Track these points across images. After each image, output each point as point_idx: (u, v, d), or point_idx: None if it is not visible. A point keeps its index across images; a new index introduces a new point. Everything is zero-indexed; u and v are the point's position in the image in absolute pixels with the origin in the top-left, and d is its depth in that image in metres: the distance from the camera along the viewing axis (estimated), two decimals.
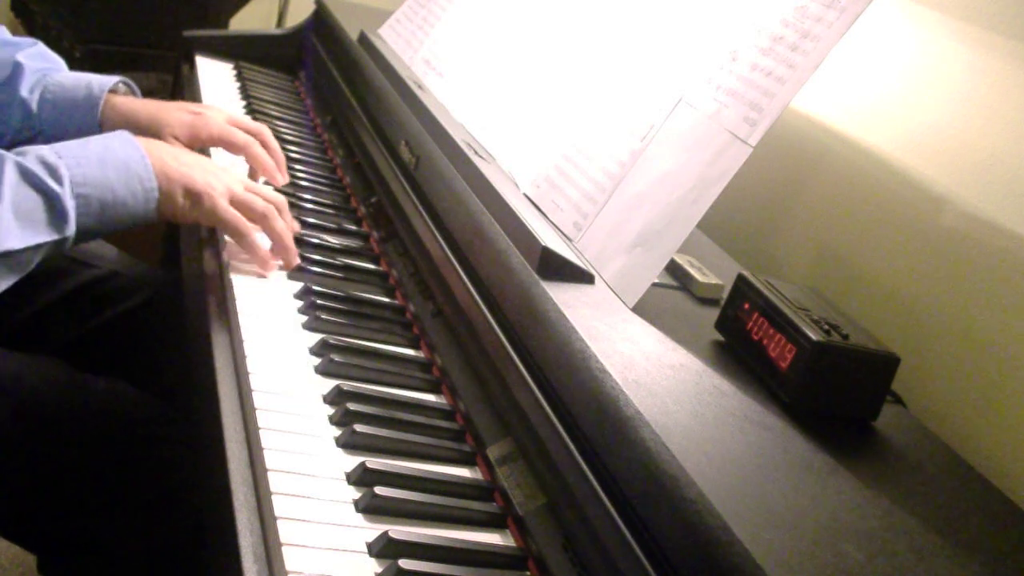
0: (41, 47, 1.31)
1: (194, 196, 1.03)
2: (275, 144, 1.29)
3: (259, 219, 1.08)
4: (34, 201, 0.92)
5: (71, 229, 0.94)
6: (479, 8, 1.39)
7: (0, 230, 0.89)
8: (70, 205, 0.94)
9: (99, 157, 0.98)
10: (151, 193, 1.00)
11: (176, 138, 1.23)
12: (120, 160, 0.99)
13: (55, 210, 0.93)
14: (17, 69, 1.25)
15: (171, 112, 1.26)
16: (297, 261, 1.11)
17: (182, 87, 1.71)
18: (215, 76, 1.69)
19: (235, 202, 1.07)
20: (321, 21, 1.78)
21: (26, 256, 0.92)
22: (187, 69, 1.74)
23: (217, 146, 1.27)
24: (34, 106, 1.24)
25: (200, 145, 1.26)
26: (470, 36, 1.37)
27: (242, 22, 2.41)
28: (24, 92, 1.24)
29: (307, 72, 1.81)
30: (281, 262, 1.10)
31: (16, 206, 0.90)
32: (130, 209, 0.99)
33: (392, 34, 1.57)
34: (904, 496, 0.75)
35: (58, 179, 0.94)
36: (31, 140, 1.25)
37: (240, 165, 1.28)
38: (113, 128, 1.22)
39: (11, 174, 0.91)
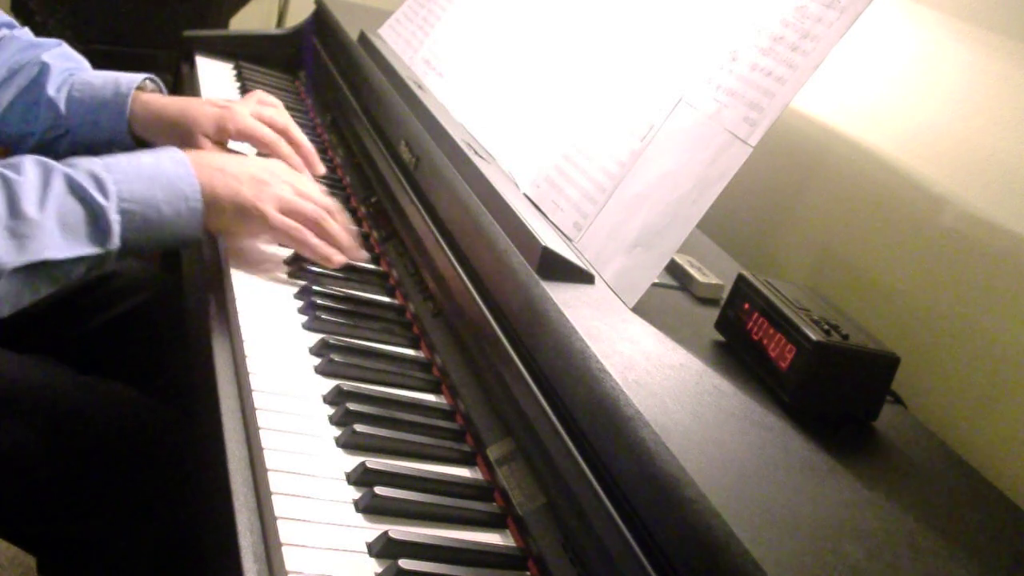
0: (65, 47, 1.32)
1: (243, 211, 1.03)
2: (302, 138, 1.28)
3: (311, 225, 1.07)
4: (79, 213, 0.92)
5: (114, 244, 0.94)
6: (479, 8, 1.39)
7: (43, 239, 0.89)
8: (114, 219, 0.93)
9: (148, 174, 0.97)
10: (196, 213, 0.99)
11: (205, 135, 1.23)
12: (168, 178, 0.98)
13: (99, 223, 0.93)
14: (44, 69, 1.26)
15: (200, 108, 1.25)
16: (364, 255, 1.12)
17: (182, 87, 1.71)
18: (215, 76, 1.69)
19: (285, 210, 1.06)
20: (321, 21, 1.78)
21: (67, 267, 0.91)
22: (187, 69, 1.74)
23: (243, 141, 1.26)
24: (62, 105, 1.25)
25: (227, 139, 1.26)
26: (470, 36, 1.37)
27: (242, 22, 2.41)
28: (51, 91, 1.25)
29: (307, 72, 1.81)
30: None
31: (61, 217, 0.90)
32: (174, 228, 0.98)
33: (392, 34, 1.57)
34: (904, 496, 0.75)
35: (105, 193, 0.93)
36: (60, 139, 1.27)
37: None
38: (143, 125, 1.25)
39: (58, 185, 0.91)
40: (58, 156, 1.34)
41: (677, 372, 0.82)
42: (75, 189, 0.92)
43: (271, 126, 1.26)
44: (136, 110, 1.25)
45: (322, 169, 1.29)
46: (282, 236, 1.06)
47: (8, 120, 1.27)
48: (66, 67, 1.28)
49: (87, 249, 0.92)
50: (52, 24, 2.09)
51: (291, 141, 1.26)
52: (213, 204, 1.01)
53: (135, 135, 1.26)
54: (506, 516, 0.83)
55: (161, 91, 1.32)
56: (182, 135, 1.22)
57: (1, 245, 0.86)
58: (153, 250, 1.01)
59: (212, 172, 1.02)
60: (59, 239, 0.90)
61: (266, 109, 1.29)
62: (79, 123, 1.26)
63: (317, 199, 1.10)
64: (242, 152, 1.24)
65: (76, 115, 1.26)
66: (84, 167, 0.95)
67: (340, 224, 1.11)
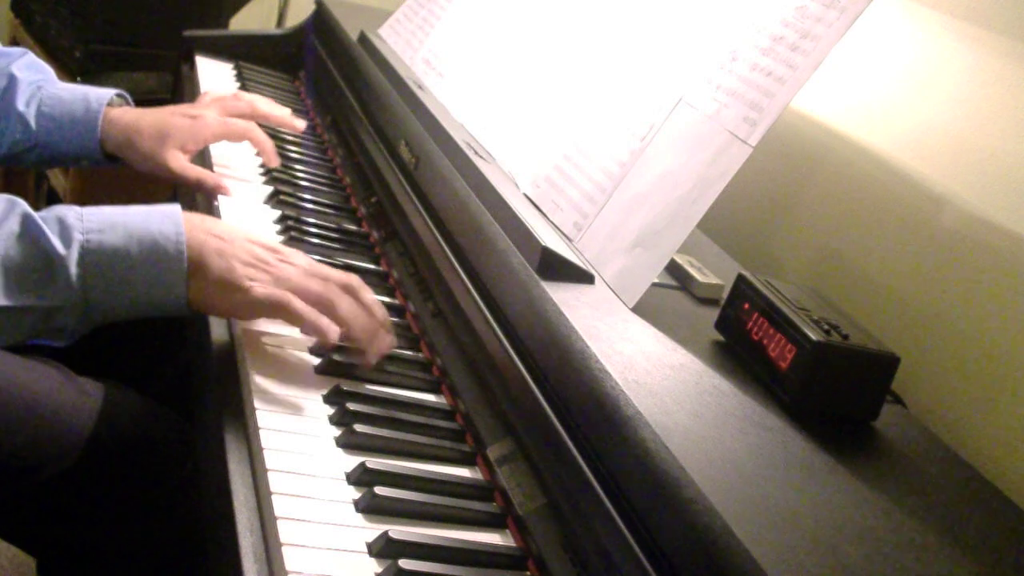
0: (31, 56, 1.31)
1: (227, 288, 0.90)
2: (270, 109, 1.33)
3: (321, 305, 0.92)
4: (28, 259, 0.84)
5: (72, 298, 0.85)
6: (479, 8, 1.39)
7: None
8: (73, 271, 0.85)
9: (129, 229, 0.88)
10: (179, 276, 0.88)
11: (182, 147, 1.24)
12: (150, 235, 0.88)
13: (52, 273, 0.85)
14: (12, 82, 1.25)
15: (172, 120, 1.25)
16: (383, 350, 0.95)
17: (182, 87, 1.71)
18: (215, 76, 1.69)
19: (286, 287, 0.92)
20: (321, 21, 1.78)
21: (8, 317, 0.84)
22: (187, 69, 1.74)
23: (220, 141, 1.29)
24: (32, 120, 1.24)
25: (204, 145, 1.27)
26: (470, 36, 1.37)
27: (242, 22, 2.41)
28: (21, 106, 1.24)
29: (307, 72, 1.81)
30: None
31: (7, 259, 0.84)
32: (150, 290, 0.88)
33: (392, 34, 1.57)
34: (904, 496, 0.75)
35: (67, 241, 0.85)
36: (28, 152, 1.26)
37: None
38: (113, 141, 1.24)
39: (12, 225, 0.85)
40: (26, 166, 1.34)
41: (677, 372, 0.82)
42: (31, 233, 0.85)
43: (240, 116, 1.29)
44: (107, 128, 1.24)
45: (301, 125, 1.34)
46: (269, 310, 0.91)
47: None
48: (34, 79, 1.27)
49: (31, 299, 0.84)
50: (52, 24, 2.09)
51: (262, 117, 1.31)
52: (198, 272, 0.89)
53: (105, 151, 1.26)
54: (506, 516, 0.83)
55: (128, 105, 1.32)
56: (153, 149, 1.22)
57: None
58: (132, 315, 0.90)
59: (207, 238, 0.91)
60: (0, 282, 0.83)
61: (229, 102, 1.32)
62: (48, 138, 1.24)
63: (335, 277, 0.96)
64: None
65: (45, 130, 1.24)
66: (56, 212, 0.87)
67: (366, 303, 0.96)
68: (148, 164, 1.24)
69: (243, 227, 0.97)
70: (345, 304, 0.93)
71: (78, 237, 0.86)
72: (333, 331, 0.91)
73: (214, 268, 0.90)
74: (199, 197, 1.24)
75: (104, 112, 1.25)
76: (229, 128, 1.27)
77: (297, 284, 0.92)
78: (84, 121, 1.24)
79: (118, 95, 1.30)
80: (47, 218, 0.86)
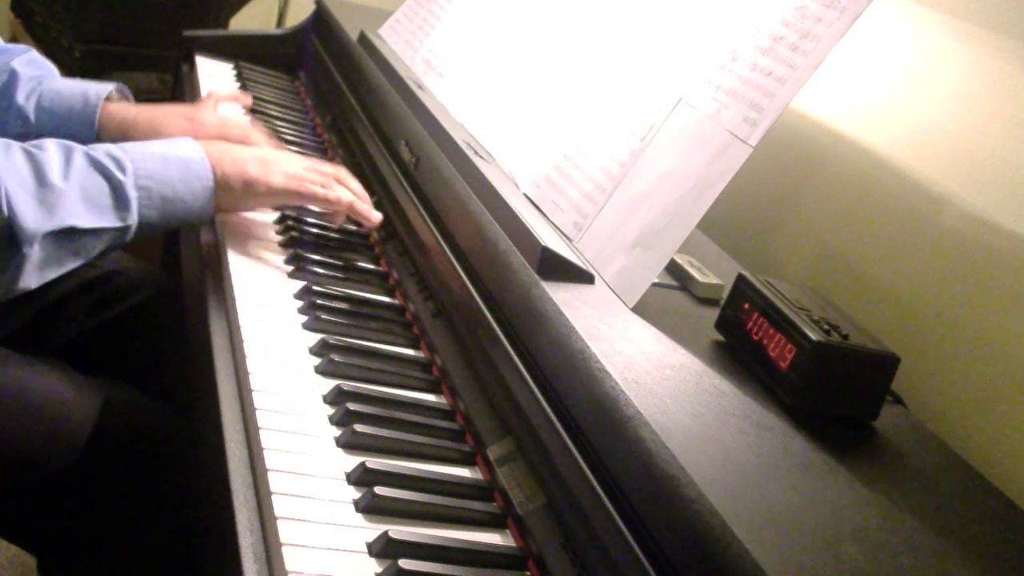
0: (33, 53, 1.32)
1: (250, 186, 1.09)
2: (258, 137, 1.34)
3: (318, 194, 1.13)
4: (100, 187, 0.97)
5: (133, 218, 0.99)
6: (479, 8, 1.39)
7: (68, 208, 0.94)
8: (132, 195, 0.99)
9: (162, 155, 1.03)
10: (208, 191, 1.05)
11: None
12: (182, 159, 1.04)
13: (119, 197, 0.98)
14: (12, 77, 1.26)
15: (168, 120, 1.28)
16: (377, 217, 1.18)
17: (182, 87, 1.71)
18: (215, 76, 1.69)
19: (292, 179, 1.12)
20: (321, 21, 1.78)
21: (90, 238, 0.96)
22: (187, 69, 1.74)
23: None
24: (31, 114, 1.25)
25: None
26: (470, 36, 1.37)
27: (242, 22, 2.41)
28: (20, 99, 1.25)
29: (307, 72, 1.81)
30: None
31: (84, 189, 0.96)
32: (190, 204, 1.04)
33: (392, 34, 1.57)
34: (904, 496, 0.75)
35: (123, 169, 0.99)
36: None
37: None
38: (111, 136, 1.25)
39: (80, 161, 0.97)
40: None
41: (677, 372, 0.82)
42: (96, 164, 0.98)
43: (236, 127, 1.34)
44: (104, 121, 1.26)
45: None
46: (290, 194, 1.12)
47: None
48: (35, 75, 1.28)
49: (108, 221, 0.97)
50: (53, 24, 2.09)
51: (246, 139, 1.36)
52: (223, 183, 1.07)
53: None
54: (506, 516, 0.83)
55: (128, 100, 1.33)
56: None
57: (32, 211, 0.91)
58: (166, 228, 1.05)
59: (220, 154, 1.08)
60: (83, 209, 0.95)
61: (227, 107, 1.46)
62: (47, 132, 1.23)
63: (324, 169, 1.16)
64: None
65: (44, 124, 1.26)
66: (103, 148, 1.00)
67: (354, 188, 1.17)
68: None
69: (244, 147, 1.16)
70: (338, 190, 1.15)
71: (129, 166, 1.00)
72: (346, 197, 1.15)
73: (234, 177, 1.08)
74: None
75: (102, 106, 1.26)
76: (225, 131, 1.29)
77: (302, 175, 1.13)
78: (82, 115, 1.26)
79: (117, 90, 1.30)
80: (99, 153, 0.99)
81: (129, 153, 1.01)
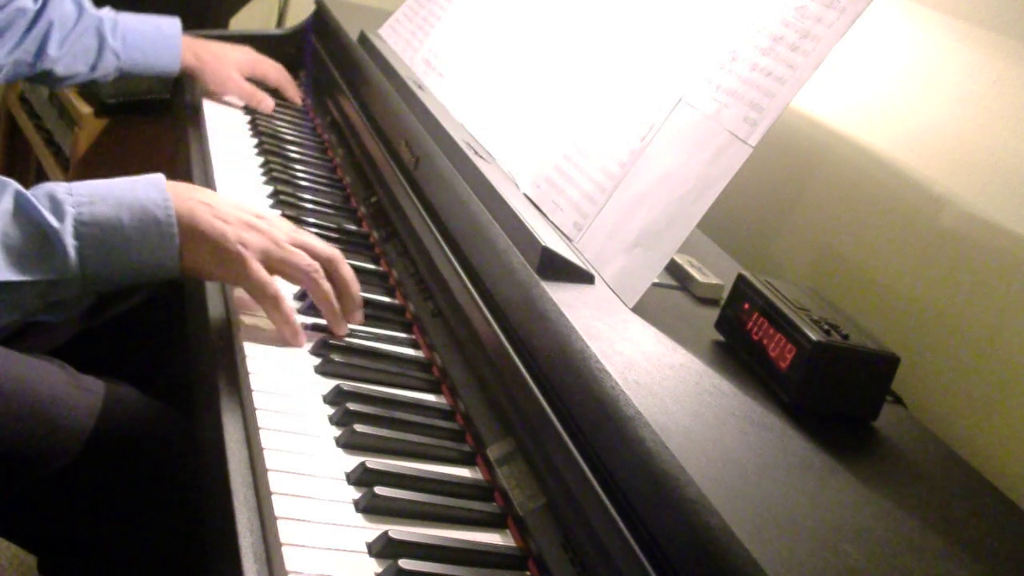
0: None
1: (222, 253, 0.93)
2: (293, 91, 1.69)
3: (302, 279, 0.97)
4: (24, 235, 0.87)
5: (71, 270, 0.88)
6: (479, 8, 1.39)
7: None
8: (70, 244, 0.87)
9: (116, 197, 0.91)
10: (170, 241, 0.91)
11: (238, 68, 1.59)
12: (139, 204, 0.91)
13: (49, 247, 0.87)
14: (99, 19, 1.49)
15: (235, 49, 1.62)
16: (344, 332, 0.99)
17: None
18: None
19: (273, 260, 0.96)
20: (321, 21, 1.78)
21: (12, 292, 0.86)
22: None
23: (273, 86, 1.66)
24: (121, 50, 1.50)
25: (256, 78, 1.63)
26: (470, 36, 1.37)
27: (242, 22, 2.41)
28: (109, 38, 1.49)
29: (307, 72, 1.81)
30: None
31: (4, 236, 0.86)
32: (144, 258, 0.91)
33: (392, 34, 1.57)
34: (904, 496, 0.75)
35: (60, 215, 0.88)
36: (106, 76, 1.53)
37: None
38: (189, 66, 1.56)
39: (6, 203, 0.87)
40: (90, 88, 1.75)
41: (677, 372, 0.82)
42: (24, 210, 0.87)
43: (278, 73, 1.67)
44: (182, 52, 1.54)
45: (296, 92, 1.68)
46: (256, 295, 0.95)
47: (66, 63, 1.48)
48: (104, 15, 1.50)
49: (32, 274, 0.86)
50: None
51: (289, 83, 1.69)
52: (191, 237, 0.92)
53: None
54: (506, 516, 0.83)
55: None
56: (218, 70, 1.57)
57: None
58: (127, 283, 0.93)
59: (196, 204, 0.94)
60: (1, 259, 0.85)
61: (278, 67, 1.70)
62: (132, 65, 1.52)
63: (316, 249, 0.99)
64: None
65: (130, 59, 1.51)
66: (45, 189, 0.90)
67: (341, 277, 1.00)
68: (214, 79, 1.58)
69: (226, 194, 1.04)
70: (322, 286, 0.97)
71: (70, 210, 0.88)
72: (298, 340, 0.97)
73: (208, 234, 0.93)
74: (196, 177, 1.25)
75: (180, 38, 1.53)
76: (286, 80, 1.69)
77: (283, 258, 0.96)
78: (165, 48, 1.53)
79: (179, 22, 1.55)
80: (37, 195, 0.89)
81: (75, 196, 0.89)
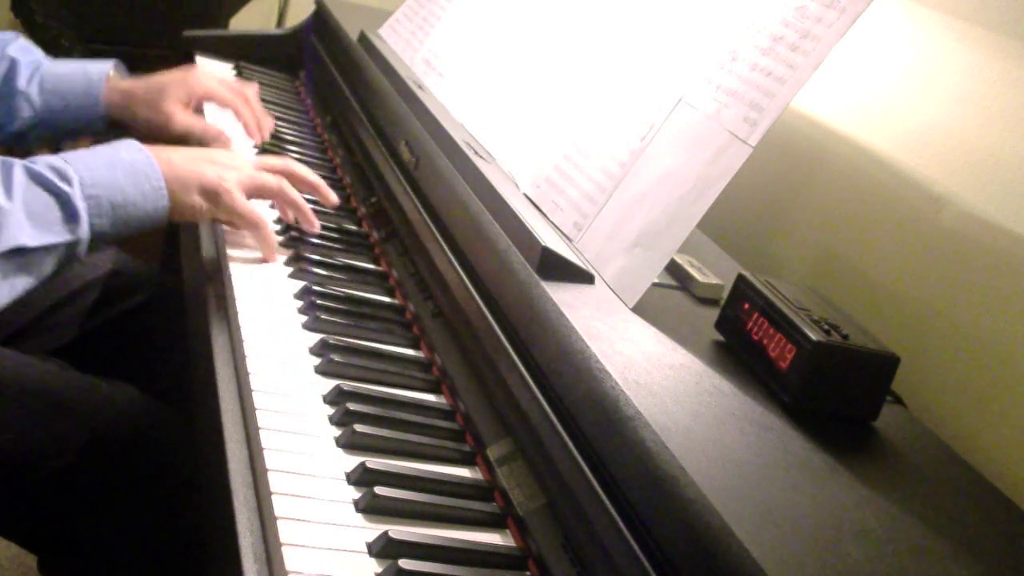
0: (23, 39, 1.36)
1: (209, 192, 1.05)
2: (256, 106, 1.43)
3: (277, 194, 1.13)
4: (45, 201, 0.94)
5: (84, 230, 0.96)
6: (479, 8, 1.39)
7: (14, 227, 0.90)
8: (81, 206, 0.95)
9: (106, 161, 0.99)
10: (160, 192, 1.01)
11: (177, 99, 1.34)
12: (127, 162, 1.00)
13: (67, 210, 0.95)
14: (12, 64, 1.30)
15: (166, 76, 1.37)
16: (317, 225, 1.17)
17: None
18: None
19: (248, 187, 1.09)
20: (321, 21, 1.78)
21: (39, 257, 0.93)
22: None
23: (208, 101, 1.41)
24: (36, 97, 1.30)
25: (195, 101, 1.38)
26: (470, 36, 1.37)
27: (242, 22, 2.41)
28: (22, 84, 1.30)
29: (307, 72, 1.81)
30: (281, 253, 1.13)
31: (28, 205, 0.92)
32: (141, 209, 1.00)
33: (392, 34, 1.57)
34: (904, 496, 0.75)
35: (67, 180, 0.95)
36: (31, 129, 1.32)
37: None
38: (116, 107, 1.33)
39: (20, 176, 0.93)
40: (29, 146, 1.39)
41: (677, 372, 0.82)
42: (37, 178, 0.94)
43: (230, 90, 1.41)
44: (109, 95, 1.32)
45: (269, 126, 1.44)
46: (246, 222, 1.09)
47: None
48: (31, 59, 1.32)
49: (58, 237, 0.94)
50: (53, 23, 2.09)
51: (246, 102, 1.41)
52: (177, 184, 1.03)
53: (109, 118, 1.34)
54: (506, 516, 0.83)
55: (123, 75, 1.39)
56: (153, 106, 1.33)
57: None
58: (119, 235, 1.01)
59: (169, 156, 1.05)
60: (28, 227, 0.91)
61: (225, 80, 1.45)
62: (51, 114, 1.31)
63: (273, 165, 1.15)
64: None
65: (50, 105, 1.31)
66: (43, 160, 0.96)
67: (304, 178, 1.17)
68: (150, 119, 1.33)
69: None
70: (291, 194, 1.14)
71: (74, 176, 0.96)
72: (273, 257, 1.11)
73: (190, 178, 1.04)
74: None
75: (105, 80, 1.32)
76: (217, 92, 1.38)
77: (256, 183, 1.10)
78: (86, 92, 1.32)
79: (114, 66, 1.37)
80: (39, 164, 0.95)
81: (72, 163, 0.97)
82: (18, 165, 0.94)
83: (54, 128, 1.34)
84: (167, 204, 1.02)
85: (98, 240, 0.99)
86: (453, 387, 0.97)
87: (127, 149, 1.03)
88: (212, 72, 1.44)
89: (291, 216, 1.17)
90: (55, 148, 1.43)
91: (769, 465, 0.73)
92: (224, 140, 1.34)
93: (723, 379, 0.84)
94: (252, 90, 1.44)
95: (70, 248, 0.96)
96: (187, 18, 2.12)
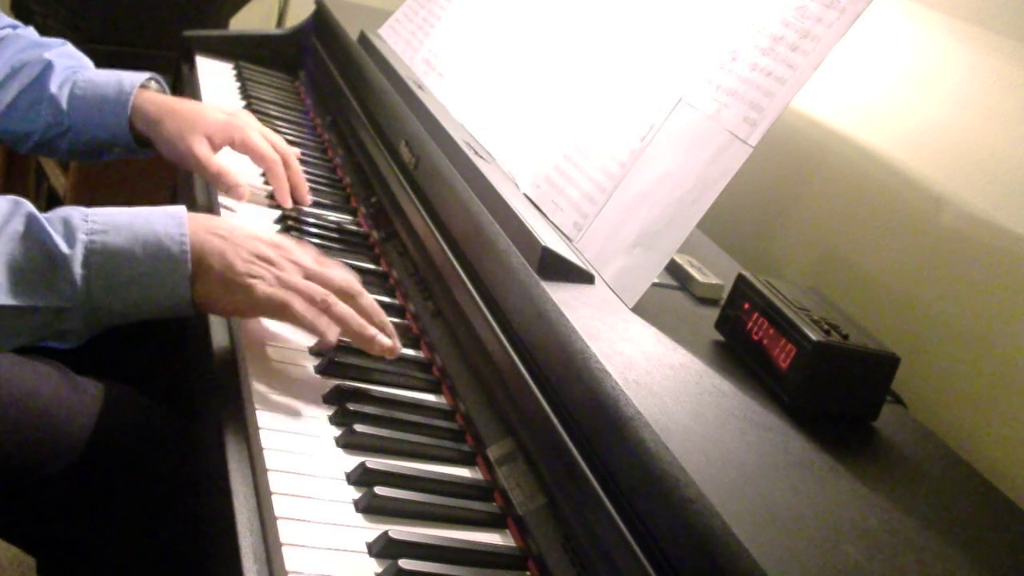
0: (70, 47, 1.34)
1: (229, 285, 0.90)
2: (298, 167, 1.28)
3: (321, 308, 0.92)
4: (32, 260, 0.84)
5: (77, 299, 0.85)
6: (479, 8, 1.39)
7: None
8: (78, 272, 0.85)
9: (134, 229, 0.87)
10: (182, 277, 0.88)
11: (209, 136, 1.22)
12: (155, 236, 0.88)
13: (56, 273, 0.84)
14: (47, 67, 1.28)
15: (208, 109, 1.26)
16: (395, 346, 0.95)
17: (182, 87, 1.71)
18: (215, 76, 1.69)
19: (288, 288, 0.92)
20: (321, 21, 1.78)
21: (14, 316, 0.83)
22: (187, 69, 1.74)
23: (245, 154, 1.25)
24: (64, 102, 1.26)
25: (230, 147, 1.25)
26: (470, 36, 1.37)
27: (242, 22, 2.41)
28: (54, 88, 1.26)
29: (307, 72, 1.81)
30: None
31: (11, 259, 0.83)
32: (155, 292, 0.88)
33: (392, 34, 1.57)
34: (904, 496, 0.75)
35: (71, 242, 0.85)
36: (60, 137, 1.29)
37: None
38: (145, 121, 1.24)
39: (17, 225, 0.85)
40: (59, 155, 1.35)
41: (677, 372, 0.82)
42: (34, 233, 0.85)
43: (274, 147, 1.26)
44: (139, 107, 1.24)
45: (308, 200, 1.27)
46: (271, 313, 0.92)
47: (10, 117, 1.29)
48: (69, 65, 1.29)
49: (35, 299, 0.84)
50: (52, 24, 2.09)
51: (288, 167, 1.26)
52: (202, 271, 0.89)
53: (136, 133, 1.27)
54: (506, 516, 0.83)
55: (164, 91, 1.34)
56: (182, 130, 1.21)
57: None
58: (138, 316, 0.89)
59: (210, 237, 0.91)
60: (4, 283, 0.82)
61: (272, 134, 1.29)
62: (80, 121, 1.26)
63: (329, 277, 0.95)
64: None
65: (77, 113, 1.25)
66: (61, 213, 0.87)
67: (359, 305, 0.95)
68: (174, 147, 1.22)
69: (247, 224, 0.97)
70: (341, 307, 0.93)
71: (82, 238, 0.85)
72: (332, 332, 0.91)
73: (216, 267, 0.89)
74: (199, 197, 1.24)
75: (137, 93, 1.26)
76: (259, 147, 1.24)
77: (297, 285, 0.92)
78: (115, 102, 1.25)
79: (154, 79, 1.32)
80: (52, 219, 0.86)
81: (91, 222, 0.86)
82: (21, 215, 0.85)
83: (83, 137, 1.28)
84: (188, 294, 0.88)
85: (109, 317, 0.88)
86: (453, 387, 0.97)
87: (165, 221, 0.89)
88: (258, 125, 1.29)
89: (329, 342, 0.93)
90: (92, 160, 1.39)
91: (769, 465, 0.73)
92: (239, 194, 1.20)
93: (723, 379, 0.84)
94: (295, 152, 1.30)
95: (52, 317, 0.85)
96: (187, 18, 2.12)
